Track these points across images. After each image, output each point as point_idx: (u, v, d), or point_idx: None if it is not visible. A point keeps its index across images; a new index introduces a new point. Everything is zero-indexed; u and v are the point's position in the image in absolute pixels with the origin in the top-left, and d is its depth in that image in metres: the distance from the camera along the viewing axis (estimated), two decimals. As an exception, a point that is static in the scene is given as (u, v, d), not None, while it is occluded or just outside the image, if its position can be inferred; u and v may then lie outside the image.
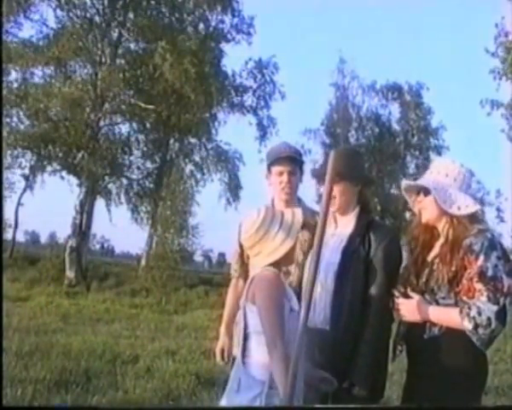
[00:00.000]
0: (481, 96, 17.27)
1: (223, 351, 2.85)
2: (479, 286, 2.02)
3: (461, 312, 2.03)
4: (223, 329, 2.90)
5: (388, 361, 2.43)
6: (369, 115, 27.48)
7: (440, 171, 2.25)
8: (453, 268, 2.10)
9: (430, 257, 2.24)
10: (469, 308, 2.02)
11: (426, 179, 2.28)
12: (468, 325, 2.01)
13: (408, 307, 2.18)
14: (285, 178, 2.73)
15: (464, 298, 2.05)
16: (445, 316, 2.10)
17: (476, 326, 2.00)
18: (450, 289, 2.11)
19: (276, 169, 2.77)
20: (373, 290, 2.31)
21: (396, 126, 28.16)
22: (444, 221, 2.21)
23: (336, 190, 2.42)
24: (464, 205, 2.17)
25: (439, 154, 28.26)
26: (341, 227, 2.48)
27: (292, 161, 2.75)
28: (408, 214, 29.18)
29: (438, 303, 2.14)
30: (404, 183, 2.38)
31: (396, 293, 2.23)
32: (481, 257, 2.04)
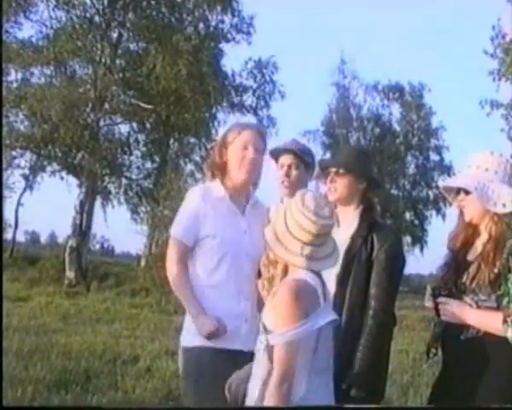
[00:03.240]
0: (481, 96, 17.29)
1: None
2: None
3: (505, 321, 1.92)
4: None
5: (389, 362, 2.42)
6: (370, 115, 27.50)
7: (480, 165, 2.11)
8: (495, 269, 1.98)
9: (472, 256, 2.12)
10: None
11: (465, 176, 2.14)
12: None
13: (448, 307, 2.06)
14: (283, 171, 2.69)
15: (510, 305, 1.93)
16: (485, 321, 1.99)
17: None
18: (492, 292, 1.99)
19: (278, 163, 2.74)
20: (374, 292, 2.30)
21: (396, 127, 28.17)
22: (487, 219, 2.08)
23: (340, 182, 2.43)
24: (509, 201, 2.03)
25: (440, 154, 28.27)
26: (344, 227, 2.44)
27: (292, 154, 2.70)
28: (408, 215, 29.24)
29: (478, 306, 2.02)
30: (444, 184, 2.25)
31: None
32: None
